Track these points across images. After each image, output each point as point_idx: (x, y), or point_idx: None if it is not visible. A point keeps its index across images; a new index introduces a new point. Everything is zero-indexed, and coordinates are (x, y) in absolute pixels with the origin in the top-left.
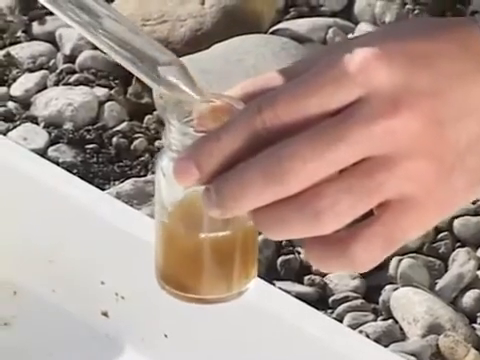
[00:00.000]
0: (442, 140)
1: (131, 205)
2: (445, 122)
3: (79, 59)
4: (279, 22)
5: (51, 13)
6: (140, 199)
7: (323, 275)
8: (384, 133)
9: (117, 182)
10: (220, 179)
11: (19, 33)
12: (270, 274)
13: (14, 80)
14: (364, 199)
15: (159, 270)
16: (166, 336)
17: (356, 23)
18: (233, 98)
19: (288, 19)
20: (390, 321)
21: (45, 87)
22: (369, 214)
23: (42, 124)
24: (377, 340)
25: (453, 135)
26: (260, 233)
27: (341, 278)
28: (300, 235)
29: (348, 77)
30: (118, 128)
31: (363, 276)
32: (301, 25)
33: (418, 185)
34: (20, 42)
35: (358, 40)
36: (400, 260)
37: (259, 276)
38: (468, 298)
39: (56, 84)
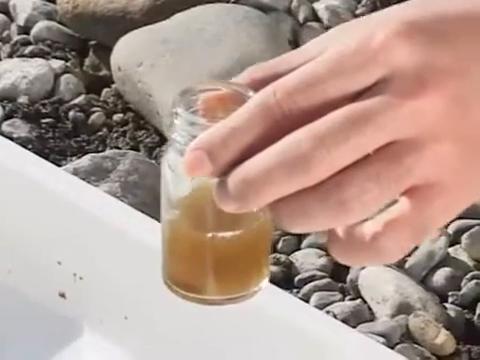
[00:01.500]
0: (467, 120)
1: (89, 182)
2: (470, 102)
3: (34, 30)
4: None
5: None
6: (98, 175)
7: (288, 253)
8: (411, 114)
9: (74, 158)
10: (237, 170)
11: None
12: None
13: None
14: (392, 186)
15: (166, 270)
16: (126, 318)
17: None
18: (241, 85)
19: None
20: (358, 301)
21: None
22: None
23: None
24: (345, 320)
25: (478, 115)
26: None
27: (307, 256)
28: (324, 227)
29: (369, 56)
30: (75, 101)
31: (330, 254)
32: None
33: (445, 169)
34: None
35: (373, 18)
36: None
37: None
38: (439, 276)
39: (10, 56)
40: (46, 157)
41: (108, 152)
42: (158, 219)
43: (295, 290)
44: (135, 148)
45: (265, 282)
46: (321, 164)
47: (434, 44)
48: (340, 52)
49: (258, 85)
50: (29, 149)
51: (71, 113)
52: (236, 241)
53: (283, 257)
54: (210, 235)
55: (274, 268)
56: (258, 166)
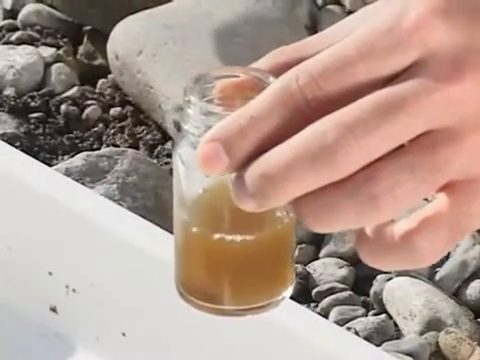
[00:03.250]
0: None
1: (83, 183)
2: None
3: (21, 14)
4: None
5: None
6: (93, 176)
7: (305, 263)
8: (448, 102)
9: (66, 156)
10: (255, 164)
11: None
12: None
13: None
14: (428, 179)
15: (179, 276)
16: (124, 335)
17: None
18: (261, 71)
19: None
20: (383, 316)
21: None
22: None
23: None
24: (368, 338)
25: None
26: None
27: (326, 267)
28: (352, 225)
29: (402, 37)
30: (67, 94)
31: (351, 264)
32: None
33: None
34: None
35: None
36: None
37: None
38: (473, 289)
39: None
40: (35, 156)
41: (104, 150)
42: (160, 225)
43: (313, 304)
44: (134, 146)
45: (289, 291)
46: (349, 156)
47: (473, 24)
48: (370, 33)
49: (281, 71)
50: (16, 147)
51: (63, 107)
52: (256, 244)
53: (299, 267)
54: (226, 237)
55: None
56: (278, 159)
